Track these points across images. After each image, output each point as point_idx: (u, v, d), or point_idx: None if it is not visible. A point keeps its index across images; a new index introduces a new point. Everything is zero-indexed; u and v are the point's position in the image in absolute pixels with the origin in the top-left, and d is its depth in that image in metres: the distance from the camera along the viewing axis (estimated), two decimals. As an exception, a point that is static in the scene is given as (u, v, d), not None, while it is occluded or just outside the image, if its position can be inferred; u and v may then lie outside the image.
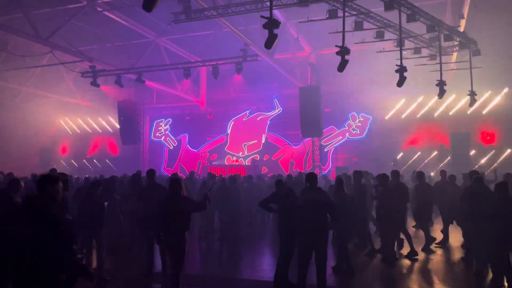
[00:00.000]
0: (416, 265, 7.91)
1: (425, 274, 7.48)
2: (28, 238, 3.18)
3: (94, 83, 19.08)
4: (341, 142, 21.71)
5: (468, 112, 18.86)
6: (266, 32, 8.19)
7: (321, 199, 6.00)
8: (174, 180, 5.70)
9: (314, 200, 5.96)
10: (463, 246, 8.83)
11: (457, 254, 8.71)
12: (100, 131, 27.53)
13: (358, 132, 21.36)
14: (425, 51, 15.01)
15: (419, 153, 20.21)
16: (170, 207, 5.44)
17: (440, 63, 13.32)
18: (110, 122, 26.98)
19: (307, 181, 6.20)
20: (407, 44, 14.34)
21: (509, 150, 18.83)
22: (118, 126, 23.88)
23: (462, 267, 7.74)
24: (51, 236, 3.23)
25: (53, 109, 26.34)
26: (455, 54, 16.02)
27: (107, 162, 25.91)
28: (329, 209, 6.04)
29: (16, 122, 23.14)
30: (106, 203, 7.42)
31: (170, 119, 25.62)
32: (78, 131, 28.11)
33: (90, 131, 27.81)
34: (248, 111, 23.66)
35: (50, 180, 3.48)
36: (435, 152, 19.93)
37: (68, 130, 28.24)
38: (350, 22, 12.16)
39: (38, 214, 3.29)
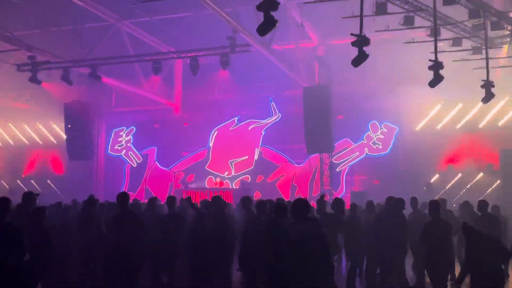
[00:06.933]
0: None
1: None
2: None
3: (34, 79, 19.01)
4: (358, 159, 21.82)
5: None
6: (260, 15, 8.26)
7: (313, 232, 6.07)
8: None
9: (305, 235, 6.02)
10: None
11: None
12: (41, 142, 27.37)
13: (381, 146, 21.48)
14: (466, 43, 15.21)
15: (460, 174, 20.33)
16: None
17: (487, 58, 13.47)
18: (53, 130, 26.86)
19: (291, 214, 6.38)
20: (444, 33, 14.53)
21: None
22: (64, 136, 23.78)
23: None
24: None
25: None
26: (505, 47, 16.23)
27: (48, 183, 25.69)
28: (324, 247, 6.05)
29: None
30: None
31: (134, 128, 25.59)
32: (11, 143, 27.90)
33: (27, 142, 27.62)
34: (236, 118, 23.76)
35: None
36: (481, 174, 20.05)
37: (-2, 141, 28.10)
38: (370, 3, 12.33)
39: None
